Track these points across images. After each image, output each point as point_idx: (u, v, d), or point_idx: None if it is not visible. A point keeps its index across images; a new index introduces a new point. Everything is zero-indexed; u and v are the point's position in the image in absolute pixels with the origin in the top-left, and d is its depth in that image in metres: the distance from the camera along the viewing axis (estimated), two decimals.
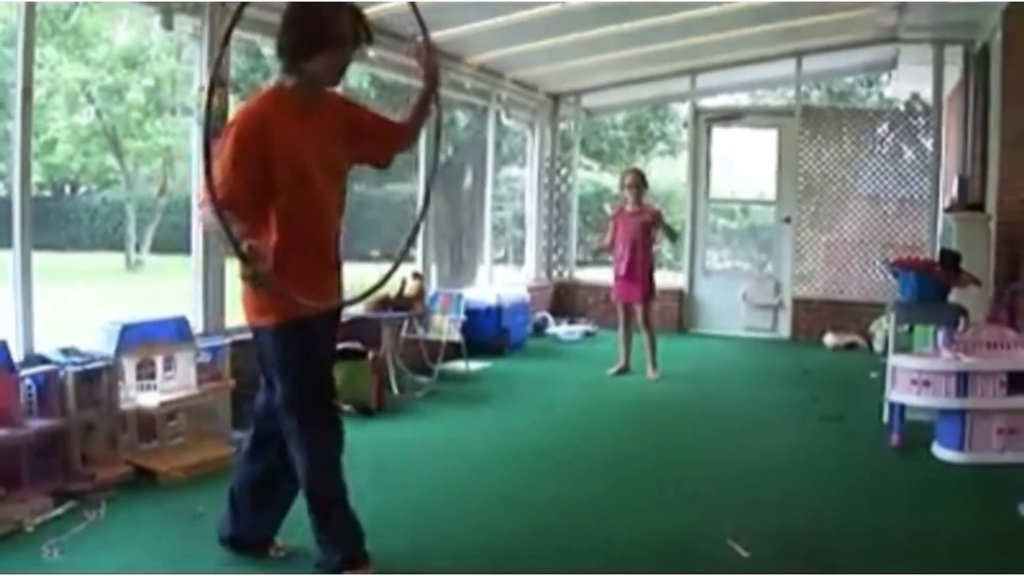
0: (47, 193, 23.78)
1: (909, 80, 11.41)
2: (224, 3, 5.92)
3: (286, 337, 3.45)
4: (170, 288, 7.49)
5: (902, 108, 11.69)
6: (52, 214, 22.79)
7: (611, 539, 4.14)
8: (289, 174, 3.38)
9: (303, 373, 3.49)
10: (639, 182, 8.24)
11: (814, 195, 10.75)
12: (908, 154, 10.64)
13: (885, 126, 10.83)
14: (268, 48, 14.09)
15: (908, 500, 4.82)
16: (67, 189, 24.43)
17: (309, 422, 3.49)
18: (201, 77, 5.97)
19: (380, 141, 3.74)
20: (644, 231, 8.11)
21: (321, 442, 3.52)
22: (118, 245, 20.97)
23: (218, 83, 5.89)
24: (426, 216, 5.51)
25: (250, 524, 3.75)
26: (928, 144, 10.33)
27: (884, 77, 19.45)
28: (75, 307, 10.58)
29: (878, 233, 10.58)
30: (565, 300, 11.52)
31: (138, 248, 20.51)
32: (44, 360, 4.65)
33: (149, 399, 4.94)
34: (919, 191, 10.40)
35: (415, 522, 4.28)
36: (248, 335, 6.08)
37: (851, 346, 10.01)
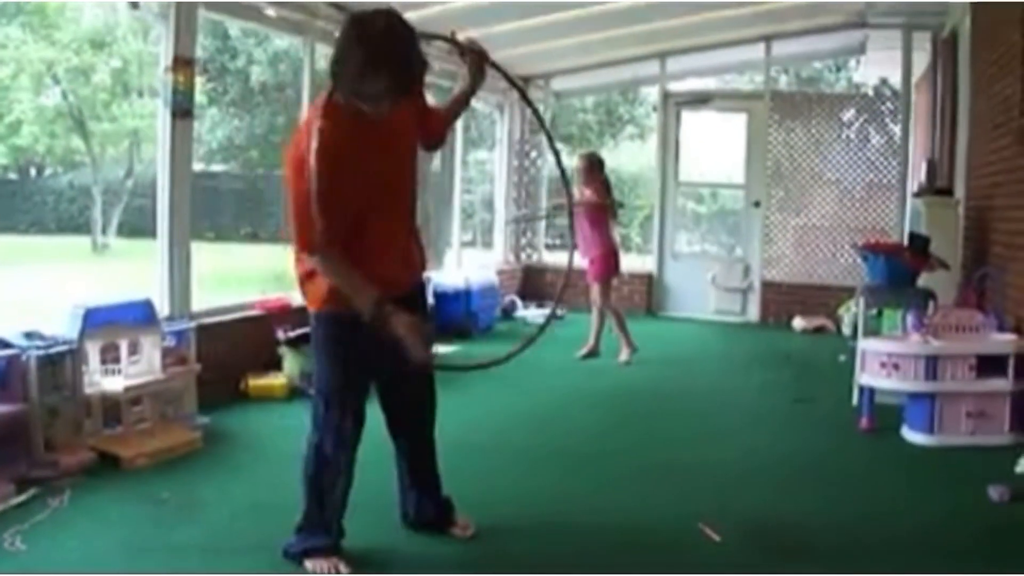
0: (12, 176, 23.49)
1: (877, 65, 11.45)
2: None
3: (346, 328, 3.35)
4: (136, 271, 7.39)
5: (871, 93, 11.70)
6: (17, 197, 22.51)
7: (578, 526, 4.10)
8: (366, 187, 3.26)
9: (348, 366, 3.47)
10: (586, 166, 8.18)
11: (783, 179, 10.77)
12: (876, 139, 10.65)
13: (853, 111, 10.84)
14: (235, 29, 14.10)
15: (878, 483, 4.82)
16: (32, 171, 24.12)
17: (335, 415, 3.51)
18: (167, 57, 5.86)
19: (432, 126, 3.70)
20: (590, 212, 8.02)
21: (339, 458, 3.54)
22: (84, 228, 20.70)
23: (183, 62, 5.81)
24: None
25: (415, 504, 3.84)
26: (896, 129, 10.36)
27: (852, 63, 19.63)
28: (40, 291, 10.45)
29: (846, 217, 10.62)
30: (534, 283, 11.49)
31: (104, 231, 20.26)
32: (6, 344, 4.55)
33: (113, 384, 4.87)
34: (887, 176, 10.44)
35: (368, 521, 4.06)
36: (214, 318, 6.13)
37: (819, 329, 10.05)
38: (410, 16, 7.68)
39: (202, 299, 6.35)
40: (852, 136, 10.73)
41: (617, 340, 8.16)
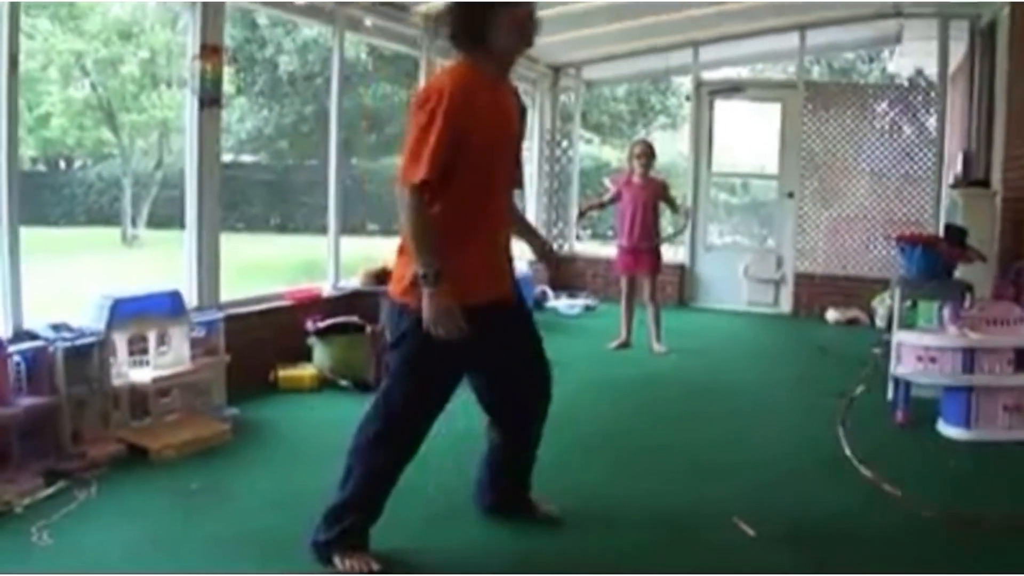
0: (41, 168, 23.65)
1: (912, 56, 11.28)
2: None
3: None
4: (166, 262, 7.38)
5: (906, 84, 11.52)
6: (47, 189, 22.65)
7: (615, 516, 4.06)
8: (479, 153, 3.23)
9: (426, 383, 3.40)
10: (649, 152, 8.13)
11: (817, 170, 10.62)
12: (910, 130, 10.48)
13: (887, 102, 10.67)
14: (263, 18, 14.07)
15: (914, 478, 4.71)
16: (62, 164, 24.27)
17: (390, 441, 3.43)
18: (195, 45, 5.83)
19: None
20: (652, 203, 8.00)
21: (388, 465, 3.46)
22: (114, 219, 20.82)
23: (211, 50, 5.78)
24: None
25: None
26: (931, 120, 10.19)
27: (885, 53, 19.38)
28: (70, 282, 10.48)
29: (880, 209, 10.46)
30: (565, 274, 11.41)
31: (134, 222, 20.36)
32: (33, 336, 4.53)
33: (141, 375, 4.85)
34: (922, 167, 10.26)
35: (397, 507, 4.08)
36: (243, 308, 6.11)
37: (853, 321, 9.92)
38: (439, 7, 7.65)
39: (232, 290, 6.35)
40: (886, 127, 10.55)
41: (648, 331, 8.08)
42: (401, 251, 3.37)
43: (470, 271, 3.26)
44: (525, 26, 3.32)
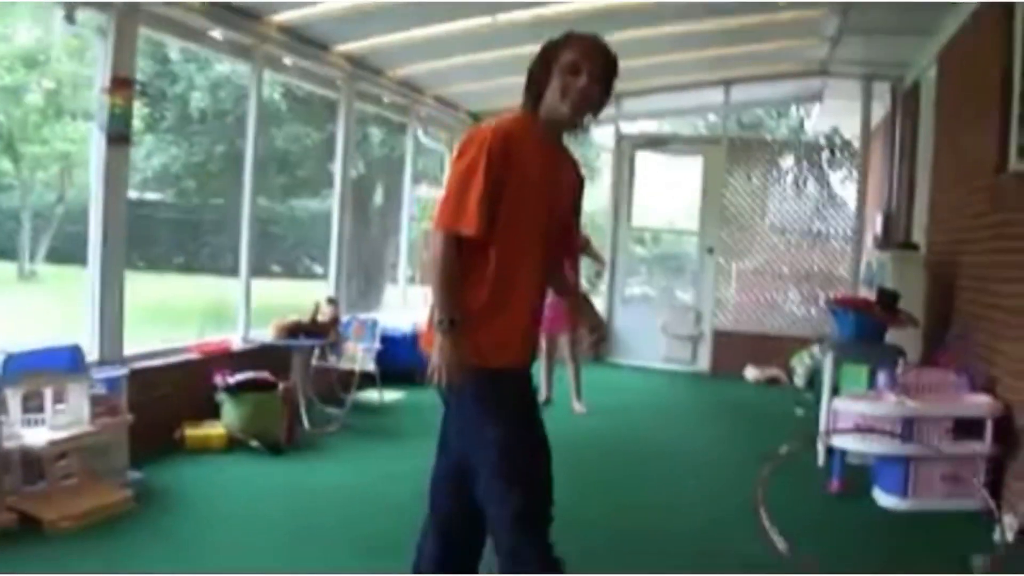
0: None
1: (832, 114, 11.39)
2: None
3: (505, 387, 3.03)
4: (66, 301, 6.89)
5: (822, 142, 11.64)
6: None
7: None
8: (513, 206, 2.96)
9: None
10: None
11: (734, 225, 10.64)
12: (821, 188, 10.64)
13: (806, 159, 10.78)
14: (175, 52, 13.68)
15: (855, 547, 4.57)
16: None
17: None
18: (104, 77, 5.45)
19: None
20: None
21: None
22: (10, 254, 19.92)
23: (121, 83, 5.42)
24: None
25: None
26: (844, 179, 10.34)
27: (793, 110, 19.76)
28: None
29: (796, 265, 10.53)
30: None
31: (32, 257, 19.50)
32: None
33: (36, 436, 4.41)
34: (835, 225, 10.41)
35: None
36: (148, 362, 5.70)
37: (773, 381, 9.87)
38: (360, 46, 7.42)
39: (136, 334, 5.91)
40: (798, 184, 10.68)
41: (569, 389, 7.88)
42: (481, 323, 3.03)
43: (510, 332, 3.04)
44: (568, 93, 3.01)
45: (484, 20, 7.50)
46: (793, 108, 19.82)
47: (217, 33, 6.52)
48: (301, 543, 4.30)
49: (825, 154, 10.55)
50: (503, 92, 10.23)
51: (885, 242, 8.32)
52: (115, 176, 5.52)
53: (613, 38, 8.13)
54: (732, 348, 10.43)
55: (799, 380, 9.21)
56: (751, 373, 10.03)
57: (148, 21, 5.79)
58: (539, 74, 3.05)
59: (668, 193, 12.52)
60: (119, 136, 5.51)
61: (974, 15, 6.49)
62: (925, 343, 6.92)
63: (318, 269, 7.78)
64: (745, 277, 10.75)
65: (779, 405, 8.33)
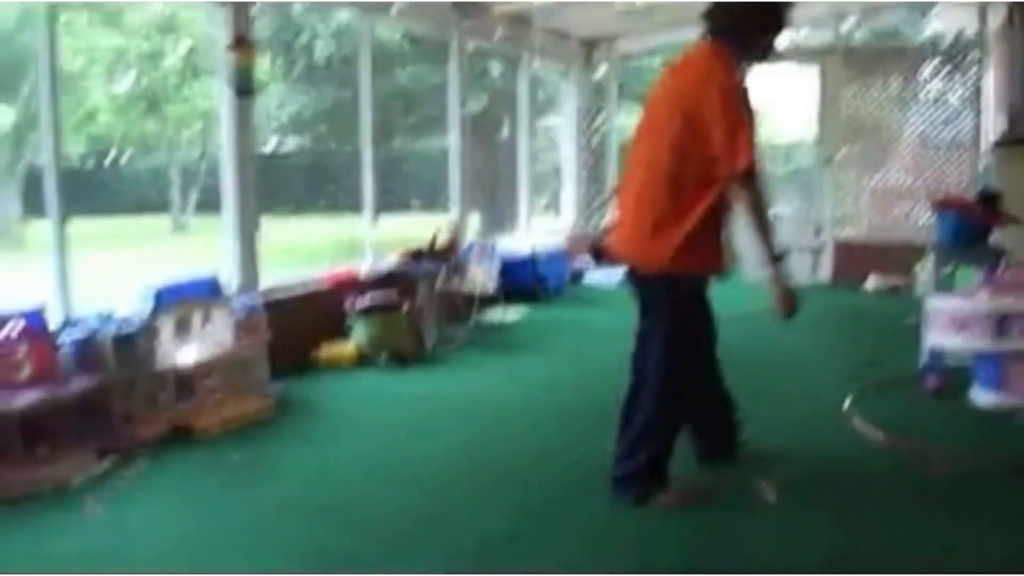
0: (91, 164, 24.10)
1: (952, 17, 11.10)
2: None
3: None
4: (214, 247, 7.59)
5: (946, 45, 11.36)
6: (97, 183, 23.11)
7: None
8: None
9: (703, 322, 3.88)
10: None
11: (858, 136, 10.56)
12: (955, 93, 10.39)
13: (930, 65, 10.54)
14: (296, 6, 14.26)
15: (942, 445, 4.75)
16: (110, 158, 24.72)
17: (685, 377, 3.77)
18: (226, 36, 5.98)
19: None
20: None
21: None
22: (164, 209, 21.21)
23: (242, 41, 5.92)
24: None
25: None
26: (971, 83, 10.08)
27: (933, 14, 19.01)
28: (124, 271, 10.75)
29: (925, 174, 10.37)
30: (604, 245, 11.43)
31: (183, 211, 20.74)
32: (83, 324, 4.74)
33: (185, 357, 5.03)
34: (967, 130, 10.14)
35: (437, 476, 4.29)
36: (284, 294, 6.28)
37: (894, 289, 9.85)
38: None
39: (280, 272, 6.52)
40: (930, 91, 10.46)
41: None
42: (657, 229, 3.58)
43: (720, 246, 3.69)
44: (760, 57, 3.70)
45: None
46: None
47: None
48: (418, 439, 4.81)
49: (957, 58, 10.29)
50: (610, 18, 10.44)
51: (1003, 139, 8.20)
52: (243, 126, 6.08)
53: None
54: (854, 258, 10.41)
55: (921, 288, 9.18)
56: (872, 282, 10.04)
57: None
58: (746, 26, 3.58)
59: (790, 106, 12.41)
60: (244, 90, 6.04)
61: None
62: None
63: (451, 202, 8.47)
64: (875, 188, 10.66)
65: (895, 313, 8.36)
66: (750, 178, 3.41)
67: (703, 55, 3.61)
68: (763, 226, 3.50)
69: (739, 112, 3.40)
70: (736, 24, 3.58)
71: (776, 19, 3.64)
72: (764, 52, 3.69)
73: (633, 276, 3.80)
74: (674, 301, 3.70)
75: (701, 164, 3.49)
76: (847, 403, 5.05)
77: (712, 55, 3.58)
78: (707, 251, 3.67)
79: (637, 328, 3.95)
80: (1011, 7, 9.29)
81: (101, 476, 4.21)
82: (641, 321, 3.92)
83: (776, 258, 3.51)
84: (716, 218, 3.60)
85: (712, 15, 3.65)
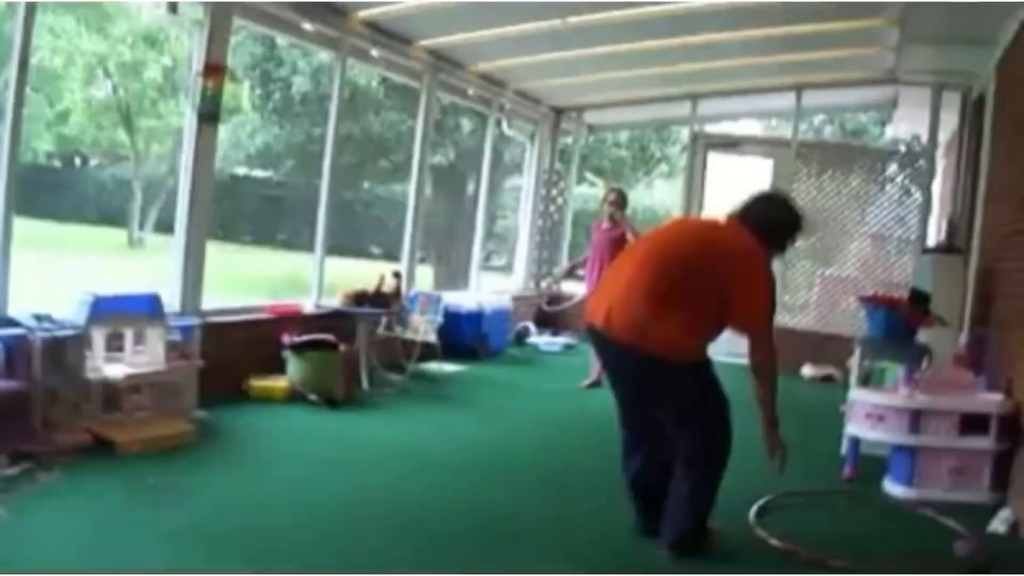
0: (57, 163, 23.99)
1: (911, 121, 11.49)
2: None
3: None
4: (167, 267, 7.63)
5: (902, 149, 11.74)
6: (61, 185, 22.99)
7: (566, 548, 4.20)
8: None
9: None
10: (619, 201, 8.36)
11: (815, 228, 10.83)
12: (908, 196, 10.72)
13: (888, 167, 10.88)
14: (282, 40, 14.39)
15: (852, 530, 4.87)
16: (77, 161, 24.62)
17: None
18: (199, 62, 6.09)
19: None
20: (615, 245, 8.21)
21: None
22: (122, 221, 21.13)
23: (214, 69, 6.04)
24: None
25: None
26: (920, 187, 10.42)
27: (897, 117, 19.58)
28: (71, 277, 10.71)
29: (871, 270, 10.66)
30: (550, 313, 11.60)
31: (141, 226, 20.66)
32: (16, 323, 4.76)
33: (115, 371, 5.06)
34: (916, 232, 10.45)
35: (345, 516, 4.34)
36: (225, 318, 6.33)
37: (827, 379, 10.06)
38: (444, 42, 7.93)
39: (224, 298, 6.55)
40: (887, 191, 10.79)
41: None
42: (661, 316, 3.94)
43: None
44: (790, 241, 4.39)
45: (555, 21, 7.90)
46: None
47: (307, 25, 7.12)
48: (334, 479, 4.85)
49: (906, 162, 10.65)
50: (582, 88, 10.72)
51: (937, 248, 8.49)
52: (204, 151, 6.17)
53: (683, 41, 8.48)
54: (791, 345, 10.59)
55: (853, 379, 9.38)
56: (807, 371, 10.24)
57: (242, 13, 6.41)
58: (781, 231, 4.28)
59: (743, 193, 12.69)
60: (209, 115, 6.15)
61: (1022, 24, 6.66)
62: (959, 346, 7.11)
63: (418, 252, 8.62)
64: (821, 280, 10.92)
65: (825, 401, 8.53)
66: (765, 339, 4.14)
67: (741, 235, 4.15)
68: (770, 386, 4.20)
69: (768, 294, 4.12)
70: (773, 227, 4.25)
71: (800, 232, 4.37)
72: (783, 249, 4.40)
73: (630, 356, 4.06)
74: (697, 378, 4.14)
75: (716, 303, 4.03)
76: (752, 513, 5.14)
77: (751, 240, 4.14)
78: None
79: (626, 399, 4.37)
80: (961, 121, 9.66)
81: (11, 480, 4.20)
82: (633, 395, 4.31)
83: (774, 421, 4.19)
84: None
85: (752, 211, 4.27)
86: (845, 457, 6.04)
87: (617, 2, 7.55)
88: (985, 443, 5.51)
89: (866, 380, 6.65)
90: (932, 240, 10.13)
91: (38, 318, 4.88)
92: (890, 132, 15.17)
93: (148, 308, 5.32)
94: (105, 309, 5.04)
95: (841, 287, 10.78)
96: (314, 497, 4.54)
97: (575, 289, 12.11)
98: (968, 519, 5.02)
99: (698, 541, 4.15)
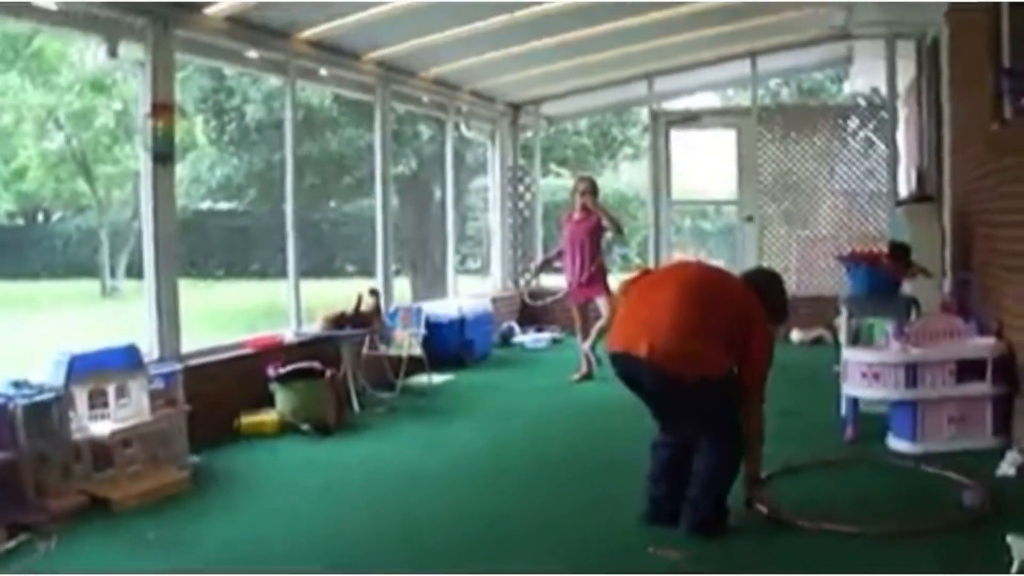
0: (20, 222, 23.76)
1: (868, 75, 11.50)
2: (166, 27, 5.96)
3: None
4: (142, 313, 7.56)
5: (862, 103, 11.75)
6: (26, 243, 22.78)
7: (563, 549, 4.17)
8: None
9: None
10: (590, 188, 8.33)
11: (787, 193, 10.84)
12: (870, 148, 10.74)
13: (844, 121, 10.92)
14: (230, 70, 14.26)
15: (859, 493, 4.84)
16: (40, 217, 24.40)
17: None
18: (146, 103, 5.99)
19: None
20: (591, 235, 8.19)
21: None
22: (93, 272, 20.93)
23: (162, 108, 5.94)
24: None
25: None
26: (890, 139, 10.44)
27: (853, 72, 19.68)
28: (48, 336, 10.58)
29: (846, 228, 10.67)
30: (532, 308, 11.54)
31: (113, 274, 20.48)
32: None
33: (101, 428, 4.95)
34: (886, 184, 10.47)
35: (354, 541, 4.31)
36: (206, 358, 6.24)
37: (817, 340, 10.07)
38: (392, 51, 7.85)
39: (203, 337, 6.44)
40: (852, 147, 10.81)
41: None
42: (695, 336, 4.18)
43: None
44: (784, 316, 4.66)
45: (502, 17, 7.84)
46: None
47: (252, 53, 7.03)
48: (336, 510, 4.78)
49: (869, 114, 10.68)
50: (536, 81, 10.65)
51: (908, 198, 8.50)
52: (162, 192, 6.06)
53: (632, 21, 8.43)
54: None
55: (843, 338, 9.38)
56: (796, 335, 10.24)
57: (182, 47, 6.31)
58: (779, 301, 4.58)
59: (709, 167, 12.73)
60: (163, 155, 6.04)
61: None
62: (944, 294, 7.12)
63: (393, 265, 8.51)
64: (796, 242, 10.93)
65: (818, 363, 8.51)
66: (759, 391, 4.37)
67: (752, 296, 4.41)
68: (758, 447, 4.41)
69: (771, 348, 4.36)
70: (774, 303, 4.51)
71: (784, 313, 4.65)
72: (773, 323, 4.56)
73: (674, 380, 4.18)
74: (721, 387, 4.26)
75: (727, 334, 4.26)
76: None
77: (760, 305, 4.40)
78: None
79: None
80: (918, 69, 9.66)
81: (11, 553, 4.10)
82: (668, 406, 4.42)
83: (756, 479, 4.49)
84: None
85: (758, 284, 4.58)
86: (845, 419, 6.01)
87: None
88: (983, 388, 5.53)
89: (855, 338, 6.65)
90: (904, 191, 10.15)
91: (16, 384, 4.77)
92: (848, 88, 15.20)
93: (126, 360, 5.21)
94: (83, 367, 4.93)
95: (819, 248, 10.79)
96: (316, 527, 4.49)
97: (555, 282, 12.08)
98: (975, 466, 5.02)
99: (720, 521, 4.27)
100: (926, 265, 6.81)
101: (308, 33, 7.34)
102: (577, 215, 8.32)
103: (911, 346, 5.68)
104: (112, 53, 5.91)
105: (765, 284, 4.63)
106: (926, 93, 9.52)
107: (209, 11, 6.35)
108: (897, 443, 5.63)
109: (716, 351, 4.20)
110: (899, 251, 6.58)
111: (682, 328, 4.17)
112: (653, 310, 4.27)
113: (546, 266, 9.21)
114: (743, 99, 15.61)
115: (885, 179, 10.35)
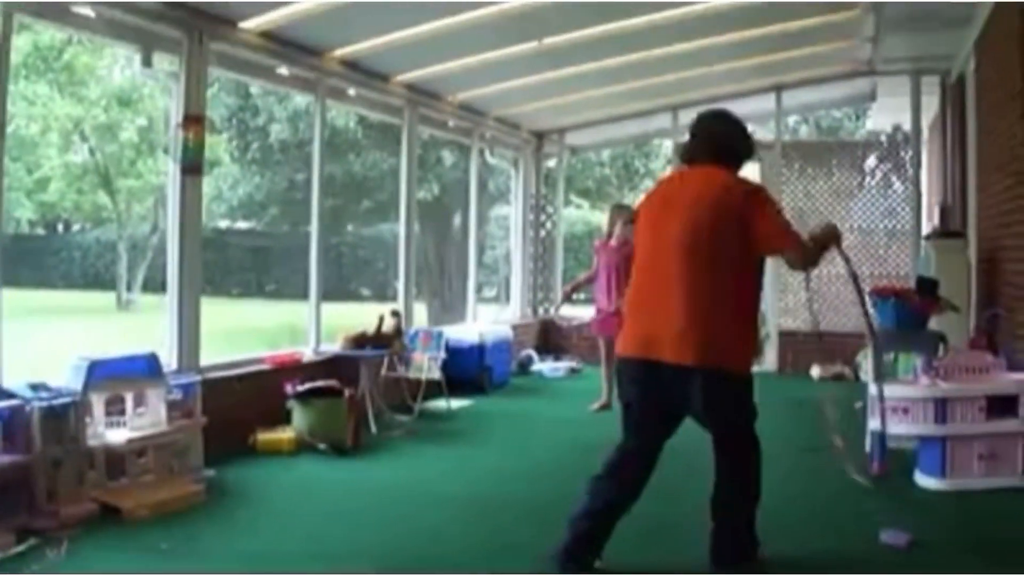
0: (40, 231, 23.88)
1: (890, 112, 11.46)
2: (201, 40, 5.97)
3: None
4: (159, 327, 7.50)
5: (884, 140, 11.70)
6: (45, 252, 22.90)
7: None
8: None
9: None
10: (632, 220, 8.27)
11: (804, 227, 10.73)
12: (894, 185, 10.69)
13: (871, 158, 10.89)
14: (256, 88, 14.34)
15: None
16: (60, 227, 24.53)
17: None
18: (178, 114, 6.00)
19: None
20: (628, 263, 8.11)
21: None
22: (110, 284, 21.00)
23: (193, 120, 5.94)
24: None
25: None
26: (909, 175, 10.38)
27: (872, 110, 19.68)
28: (62, 344, 10.58)
29: (865, 264, 10.57)
30: (551, 337, 11.49)
31: (129, 287, 20.53)
32: (11, 395, 4.60)
33: (117, 436, 4.90)
34: (902, 222, 10.42)
35: (366, 560, 4.21)
36: (224, 372, 6.18)
37: (838, 377, 9.96)
38: (420, 75, 7.85)
39: (221, 354, 6.41)
40: (872, 183, 10.76)
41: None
42: (735, 320, 3.98)
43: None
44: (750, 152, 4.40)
45: (531, 44, 7.85)
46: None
47: (283, 70, 7.04)
48: (348, 532, 4.67)
49: (893, 151, 10.63)
50: (561, 110, 10.65)
51: (934, 233, 8.42)
52: (190, 204, 6.05)
53: (659, 52, 8.44)
54: (798, 347, 10.55)
55: (864, 375, 9.28)
56: (816, 371, 10.14)
57: (217, 61, 6.31)
58: (745, 149, 4.29)
59: None
60: (192, 167, 6.04)
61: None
62: (972, 329, 7.02)
63: (396, 289, 8.52)
64: (817, 279, 10.83)
65: (841, 400, 8.39)
66: (800, 247, 4.05)
67: (726, 176, 4.09)
68: (817, 255, 4.19)
69: (776, 207, 4.06)
70: (740, 150, 4.26)
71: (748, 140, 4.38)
72: (749, 157, 4.40)
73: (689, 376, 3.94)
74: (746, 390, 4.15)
75: (738, 248, 3.93)
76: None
77: (736, 177, 4.17)
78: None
79: (643, 408, 4.18)
80: (942, 105, 9.62)
81: (19, 558, 4.04)
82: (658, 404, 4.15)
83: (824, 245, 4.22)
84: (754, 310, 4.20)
85: (720, 150, 4.19)
86: (871, 454, 5.91)
87: (592, 19, 7.49)
88: (1014, 425, 5.40)
89: (882, 373, 6.55)
90: (926, 228, 10.07)
91: (34, 387, 4.72)
92: (869, 125, 15.15)
93: (146, 368, 5.17)
94: (102, 373, 4.89)
95: (837, 284, 10.68)
96: (329, 546, 4.41)
97: (577, 312, 12.02)
98: (1007, 504, 4.91)
99: (752, 549, 4.21)
100: (951, 300, 6.72)
101: (340, 52, 7.35)
102: (614, 243, 8.27)
103: (941, 380, 5.59)
104: (147, 63, 5.94)
105: (726, 142, 4.22)
106: (951, 128, 9.47)
107: (244, 24, 6.37)
108: (925, 480, 5.52)
109: (734, 311, 3.95)
110: (927, 286, 6.50)
111: (698, 306, 3.89)
112: (662, 299, 3.99)
113: (577, 289, 9.13)
114: (762, 134, 15.56)
115: (907, 216, 10.27)
